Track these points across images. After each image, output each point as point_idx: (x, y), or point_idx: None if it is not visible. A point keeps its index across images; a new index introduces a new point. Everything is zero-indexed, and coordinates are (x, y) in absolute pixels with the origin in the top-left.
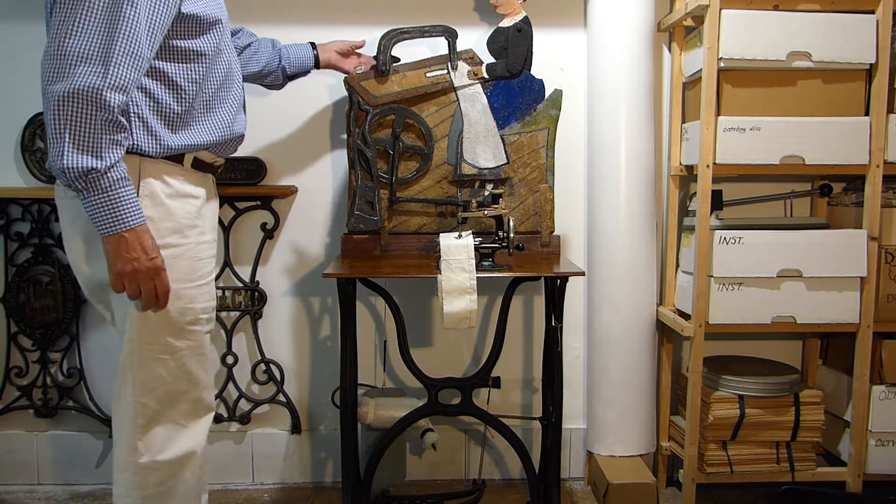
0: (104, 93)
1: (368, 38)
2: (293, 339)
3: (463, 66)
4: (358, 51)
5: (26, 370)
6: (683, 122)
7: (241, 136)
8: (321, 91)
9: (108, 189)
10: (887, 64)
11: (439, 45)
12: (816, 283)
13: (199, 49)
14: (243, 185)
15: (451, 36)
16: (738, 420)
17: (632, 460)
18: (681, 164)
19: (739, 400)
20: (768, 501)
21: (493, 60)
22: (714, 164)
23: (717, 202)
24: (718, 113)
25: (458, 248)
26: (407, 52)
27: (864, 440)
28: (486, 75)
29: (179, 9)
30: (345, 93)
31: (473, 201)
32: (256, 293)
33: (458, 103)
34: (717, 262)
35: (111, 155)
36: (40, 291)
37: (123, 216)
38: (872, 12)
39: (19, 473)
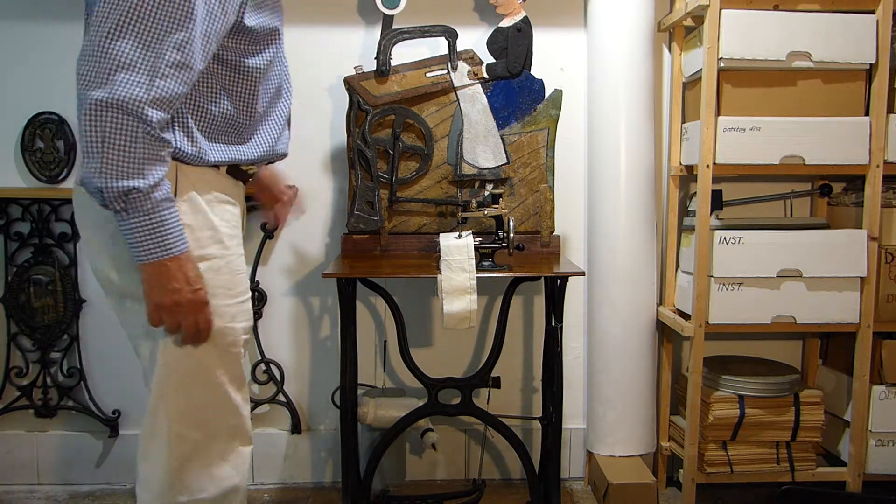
0: (145, 108)
1: (368, 37)
2: (293, 339)
3: (463, 66)
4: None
5: (26, 370)
6: (683, 122)
7: (284, 155)
8: (321, 91)
9: (151, 211)
10: (887, 64)
11: (439, 45)
12: (816, 283)
13: (254, 64)
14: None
15: (451, 36)
16: (738, 420)
17: (632, 460)
18: (681, 164)
19: (739, 400)
20: (768, 501)
21: (493, 60)
22: (714, 164)
23: (717, 202)
24: (718, 113)
25: (458, 248)
26: (407, 52)
27: (864, 440)
28: (486, 75)
29: (242, 20)
30: (345, 93)
31: (473, 201)
32: (256, 293)
33: (458, 103)
34: (717, 262)
35: (155, 173)
36: (40, 291)
37: (166, 242)
38: (872, 12)
39: (19, 473)
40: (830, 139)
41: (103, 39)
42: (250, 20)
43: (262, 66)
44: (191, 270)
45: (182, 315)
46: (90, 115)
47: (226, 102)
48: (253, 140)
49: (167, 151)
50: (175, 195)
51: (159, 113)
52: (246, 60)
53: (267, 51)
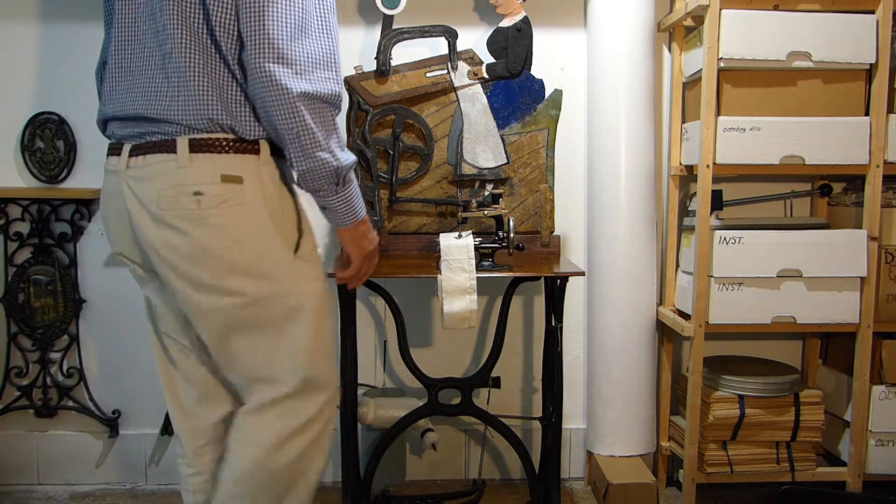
0: (339, 98)
1: (368, 37)
2: None
3: (463, 66)
4: None
5: (26, 370)
6: (683, 122)
7: None
8: None
9: (353, 181)
10: (887, 64)
11: (439, 45)
12: (816, 283)
13: None
14: None
15: (451, 36)
16: (738, 420)
17: (632, 460)
18: (681, 164)
19: (739, 400)
20: (768, 501)
21: (493, 60)
22: (714, 164)
23: (717, 202)
24: (718, 113)
25: (458, 248)
26: (407, 52)
27: (864, 440)
28: (486, 75)
29: None
30: (345, 93)
31: (473, 201)
32: None
33: (458, 103)
34: (717, 262)
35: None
36: (40, 291)
37: (362, 202)
38: (872, 12)
39: (19, 473)
40: (830, 139)
41: (290, 41)
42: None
43: None
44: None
45: (371, 260)
46: (305, 104)
47: None
48: None
49: None
50: (281, 178)
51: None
52: None
53: None
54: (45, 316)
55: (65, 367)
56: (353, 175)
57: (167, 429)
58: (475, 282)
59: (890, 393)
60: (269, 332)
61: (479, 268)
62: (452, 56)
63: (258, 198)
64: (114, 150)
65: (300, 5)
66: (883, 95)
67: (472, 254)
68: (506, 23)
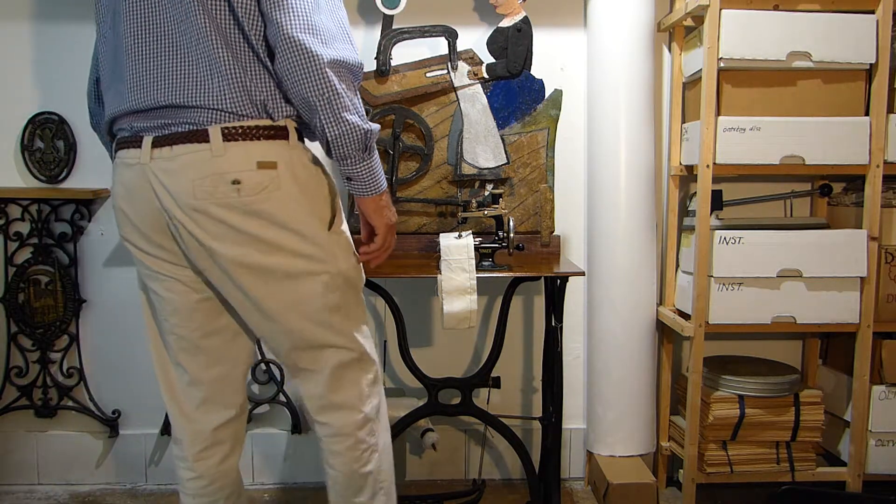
0: (362, 67)
1: (368, 37)
2: None
3: (463, 66)
4: None
5: (26, 370)
6: (683, 122)
7: None
8: None
9: (376, 151)
10: (887, 64)
11: (439, 45)
12: (816, 283)
13: None
14: None
15: (451, 36)
16: (738, 420)
17: (632, 460)
18: (681, 164)
19: (739, 400)
20: (768, 501)
21: (493, 60)
22: (714, 164)
23: (717, 202)
24: (718, 113)
25: (458, 248)
26: (407, 52)
27: (864, 440)
28: (486, 75)
29: None
30: None
31: (473, 201)
32: None
33: (458, 103)
34: (717, 262)
35: None
36: (40, 291)
37: (382, 174)
38: (872, 12)
39: (19, 473)
40: (830, 139)
41: (310, 14)
42: None
43: None
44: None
45: (393, 233)
46: (332, 69)
47: None
48: None
49: None
50: (312, 159)
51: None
52: None
53: None
54: (45, 316)
55: (65, 367)
56: (375, 146)
57: (167, 429)
58: (475, 282)
59: (890, 393)
60: (316, 308)
61: (479, 268)
62: (452, 56)
63: (292, 181)
64: (131, 143)
65: None
66: (883, 95)
67: (472, 254)
68: (506, 23)
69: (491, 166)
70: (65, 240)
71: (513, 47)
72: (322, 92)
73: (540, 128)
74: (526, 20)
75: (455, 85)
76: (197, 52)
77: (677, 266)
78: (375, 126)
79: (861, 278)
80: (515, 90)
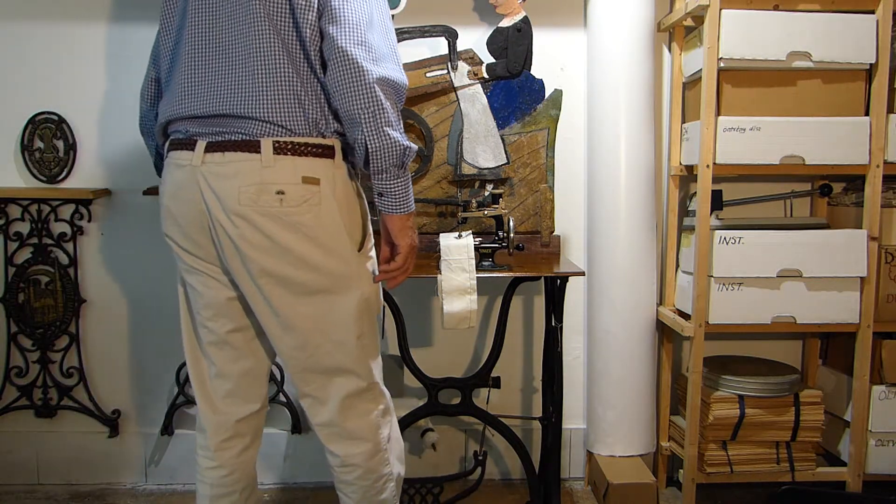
0: (406, 88)
1: None
2: None
3: (463, 66)
4: None
5: (26, 370)
6: (683, 122)
7: None
8: None
9: (408, 169)
10: (887, 64)
11: (439, 45)
12: (816, 283)
13: None
14: None
15: (451, 36)
16: (738, 420)
17: (632, 460)
18: (681, 164)
19: (739, 400)
20: (768, 501)
21: (493, 60)
22: (714, 164)
23: (717, 202)
24: (718, 113)
25: (458, 248)
26: (407, 52)
27: (864, 440)
28: (486, 75)
29: None
30: None
31: (473, 201)
32: None
33: (458, 103)
34: (717, 262)
35: None
36: (40, 291)
37: (412, 195)
38: (872, 12)
39: (19, 473)
40: (830, 139)
41: (365, 32)
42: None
43: None
44: None
45: (414, 256)
46: (380, 85)
47: None
48: None
49: None
50: (353, 175)
51: None
52: None
53: None
54: (45, 316)
55: (65, 367)
56: (408, 165)
57: (167, 429)
58: (475, 282)
59: (890, 393)
60: (334, 326)
61: (479, 268)
62: (452, 56)
63: (331, 198)
64: (184, 146)
65: (368, 6)
66: (883, 95)
67: (472, 254)
68: (506, 23)
69: (491, 166)
70: (64, 240)
71: (513, 47)
72: (367, 105)
73: (540, 128)
74: (526, 20)
75: (455, 85)
76: (258, 63)
77: (677, 266)
78: (413, 145)
79: (861, 278)
80: (515, 90)
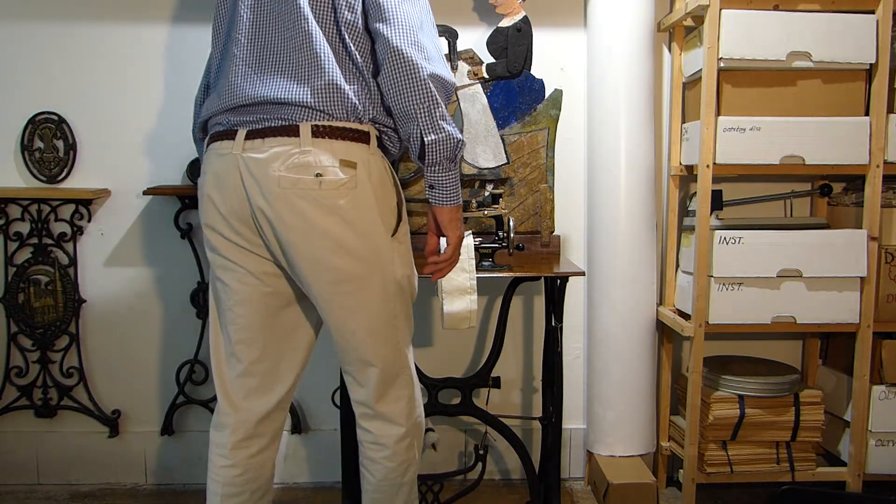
0: (454, 86)
1: None
2: None
3: (463, 66)
4: None
5: (26, 370)
6: (683, 122)
7: None
8: None
9: (459, 163)
10: (887, 64)
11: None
12: (816, 283)
13: None
14: None
15: (451, 36)
16: (738, 420)
17: (632, 460)
18: (681, 164)
19: (739, 400)
20: (768, 501)
21: (493, 60)
22: (714, 164)
23: (717, 202)
24: (718, 113)
25: None
26: None
27: (864, 440)
28: (486, 75)
29: None
30: None
31: (473, 201)
32: None
33: (458, 103)
34: (717, 262)
35: None
36: (40, 291)
37: (461, 187)
38: (872, 12)
39: (19, 473)
40: (830, 139)
41: (417, 33)
42: None
43: None
44: None
45: (459, 249)
46: (433, 81)
47: None
48: None
49: None
50: (393, 168)
51: None
52: None
53: None
54: (45, 316)
55: (65, 367)
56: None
57: (167, 429)
58: (475, 282)
59: (890, 393)
60: (366, 310)
61: (479, 268)
62: (452, 56)
63: (367, 182)
64: (225, 136)
65: (418, 8)
66: (883, 95)
67: (472, 254)
68: (506, 23)
69: (491, 166)
70: (64, 240)
71: (513, 47)
72: (423, 100)
73: (540, 128)
74: (526, 20)
75: (455, 85)
76: (300, 56)
77: (677, 266)
78: (463, 138)
79: (861, 278)
80: (515, 90)
